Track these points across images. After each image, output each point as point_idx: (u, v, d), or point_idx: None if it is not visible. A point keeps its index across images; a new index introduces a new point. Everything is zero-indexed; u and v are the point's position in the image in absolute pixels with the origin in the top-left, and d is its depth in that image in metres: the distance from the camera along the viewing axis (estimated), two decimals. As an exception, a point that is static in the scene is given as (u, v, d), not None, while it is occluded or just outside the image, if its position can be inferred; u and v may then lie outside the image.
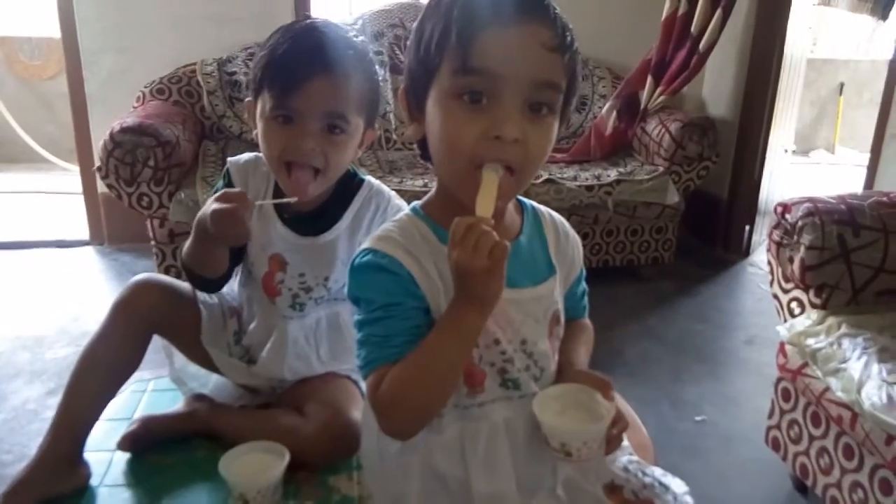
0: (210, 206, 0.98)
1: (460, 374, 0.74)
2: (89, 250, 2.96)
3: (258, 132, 1.06)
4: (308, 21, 1.07)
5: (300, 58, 1.00)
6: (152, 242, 2.40)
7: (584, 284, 0.93)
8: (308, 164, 1.03)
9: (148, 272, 1.18)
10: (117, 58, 2.83)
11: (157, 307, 1.11)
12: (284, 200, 1.06)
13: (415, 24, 0.77)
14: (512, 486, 0.78)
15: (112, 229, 2.97)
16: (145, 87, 2.71)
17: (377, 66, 1.10)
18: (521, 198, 0.85)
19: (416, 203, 0.82)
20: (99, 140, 2.31)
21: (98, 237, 3.01)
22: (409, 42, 0.78)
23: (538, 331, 0.81)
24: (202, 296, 1.15)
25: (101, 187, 2.83)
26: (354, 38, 1.06)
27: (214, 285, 1.14)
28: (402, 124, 2.91)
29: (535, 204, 0.88)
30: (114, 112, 2.52)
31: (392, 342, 0.72)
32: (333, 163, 1.05)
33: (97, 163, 2.31)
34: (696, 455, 1.72)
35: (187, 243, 1.07)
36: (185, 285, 1.15)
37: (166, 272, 2.33)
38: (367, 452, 0.87)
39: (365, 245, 0.77)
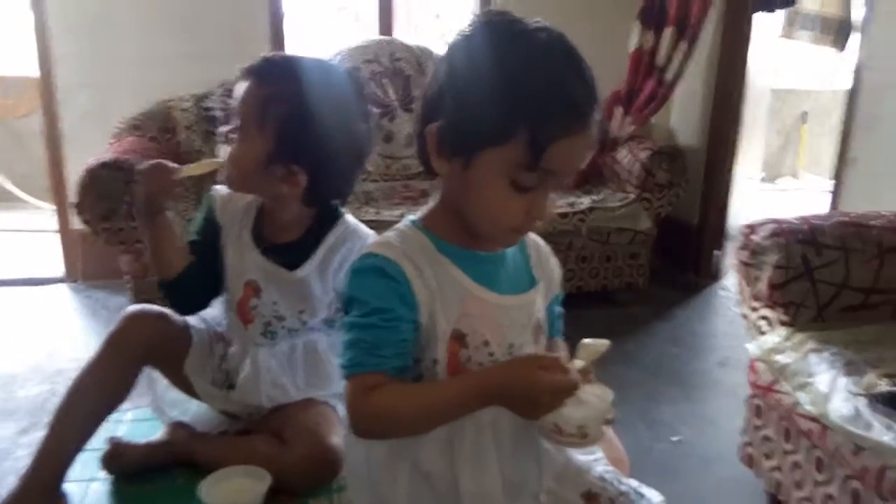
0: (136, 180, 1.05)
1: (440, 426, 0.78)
2: (63, 288, 2.92)
3: None
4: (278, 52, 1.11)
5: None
6: (127, 278, 2.38)
7: (560, 307, 0.97)
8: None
9: (128, 306, 1.19)
10: (93, 95, 2.84)
11: (150, 340, 1.12)
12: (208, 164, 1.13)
13: (450, 71, 0.77)
14: (498, 484, 0.81)
15: (87, 266, 2.95)
16: (121, 123, 2.72)
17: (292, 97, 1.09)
18: None
19: (412, 216, 0.85)
20: (74, 177, 2.31)
21: (73, 274, 2.98)
22: (447, 86, 0.77)
23: (524, 336, 0.85)
24: (193, 321, 1.16)
25: (76, 224, 2.82)
26: (330, 66, 1.09)
27: (189, 297, 1.15)
28: (378, 156, 2.95)
29: None
30: (89, 149, 2.52)
31: (380, 352, 0.75)
32: (230, 165, 1.11)
33: (73, 199, 2.30)
34: (673, 475, 1.74)
35: (148, 254, 1.12)
36: (178, 315, 1.16)
37: (142, 307, 2.31)
38: (353, 464, 0.89)
39: (367, 250, 0.80)
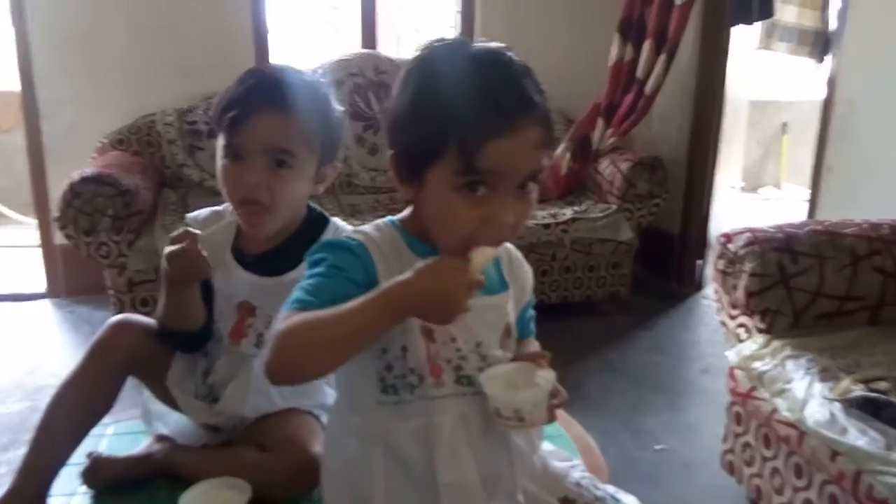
0: (164, 252, 1.02)
1: (354, 347, 0.74)
2: (46, 303, 2.91)
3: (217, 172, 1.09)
4: (260, 66, 1.11)
5: (245, 95, 1.04)
6: (111, 292, 2.38)
7: (532, 311, 0.99)
8: (254, 200, 1.06)
9: (119, 315, 1.19)
10: (76, 109, 2.84)
11: (134, 349, 1.11)
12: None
13: (402, 98, 0.81)
14: (475, 477, 0.82)
15: (69, 281, 2.93)
16: (105, 137, 2.72)
17: (335, 104, 1.14)
18: None
19: (392, 217, 0.88)
20: (57, 192, 2.31)
21: (55, 289, 2.96)
22: (400, 114, 0.82)
23: (492, 337, 0.87)
24: None
25: (58, 239, 2.81)
26: (310, 78, 1.10)
27: (198, 340, 1.15)
28: (363, 169, 2.97)
29: None
30: (72, 163, 2.52)
31: (320, 295, 0.75)
32: (280, 198, 1.07)
33: (55, 214, 2.30)
34: (657, 483, 1.76)
35: (159, 305, 1.09)
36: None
37: (126, 321, 2.30)
38: (328, 466, 0.90)
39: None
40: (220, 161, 1.07)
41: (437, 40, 0.83)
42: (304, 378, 0.76)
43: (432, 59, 0.80)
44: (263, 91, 1.04)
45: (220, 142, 1.06)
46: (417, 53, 0.82)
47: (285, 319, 0.72)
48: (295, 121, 1.06)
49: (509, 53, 0.80)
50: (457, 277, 0.72)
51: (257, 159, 1.05)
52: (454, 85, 0.76)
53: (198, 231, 1.06)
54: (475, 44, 0.80)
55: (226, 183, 1.07)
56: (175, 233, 1.05)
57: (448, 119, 0.76)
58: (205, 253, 1.03)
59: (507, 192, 0.78)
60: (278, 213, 1.09)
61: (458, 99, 0.75)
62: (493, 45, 0.81)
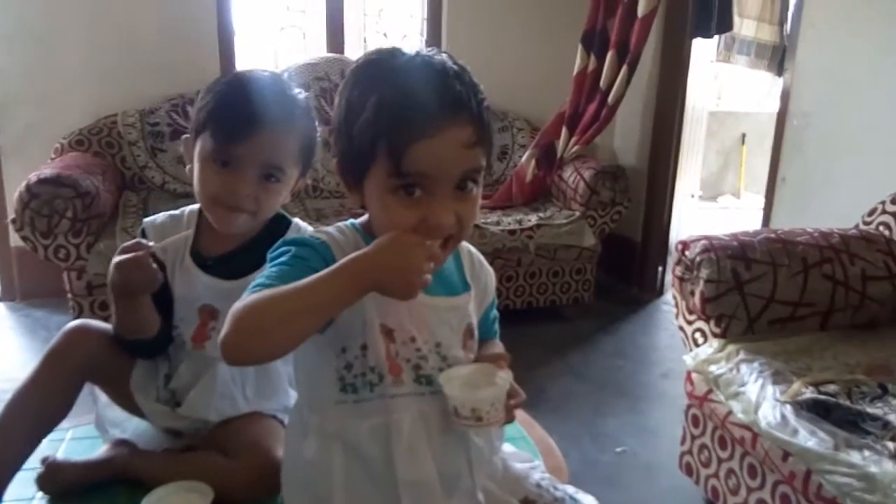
0: (113, 262, 1.01)
1: (313, 321, 0.74)
2: (0, 307, 2.83)
3: (195, 171, 1.10)
4: (257, 72, 1.11)
5: (247, 110, 1.04)
6: (69, 295, 2.33)
7: (495, 311, 1.01)
8: (240, 209, 1.07)
9: (76, 321, 1.17)
10: (35, 110, 2.78)
11: (92, 355, 1.09)
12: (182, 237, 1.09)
13: (339, 107, 0.82)
14: (434, 475, 0.83)
15: (25, 284, 2.86)
16: (63, 138, 2.67)
17: (315, 122, 1.16)
18: None
19: (354, 220, 0.89)
20: (13, 193, 2.26)
21: (10, 293, 2.89)
22: (338, 123, 0.83)
23: (452, 337, 0.87)
24: None
25: (14, 241, 2.74)
26: (298, 94, 1.12)
27: (155, 348, 1.14)
28: (329, 173, 2.96)
29: None
30: (29, 165, 2.46)
31: (283, 280, 0.74)
32: (264, 207, 1.10)
33: (11, 216, 2.25)
34: (617, 485, 1.79)
35: (113, 314, 1.08)
36: None
37: (84, 326, 2.26)
38: (287, 467, 0.91)
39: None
40: (200, 162, 1.07)
41: (374, 50, 0.84)
42: (260, 354, 0.73)
43: (365, 67, 0.81)
44: (269, 108, 1.06)
45: (208, 144, 1.05)
46: (354, 64, 0.83)
47: (244, 300, 0.72)
48: (290, 140, 1.09)
49: (441, 57, 0.80)
50: (416, 250, 0.73)
51: (250, 171, 1.06)
52: (382, 90, 0.77)
53: (150, 243, 1.06)
54: (405, 52, 0.81)
55: (207, 185, 1.07)
56: (128, 242, 1.05)
57: (376, 124, 0.76)
58: (154, 266, 1.03)
59: (444, 194, 0.78)
60: (257, 219, 1.11)
61: (385, 103, 0.76)
62: (429, 50, 0.81)
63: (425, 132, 0.75)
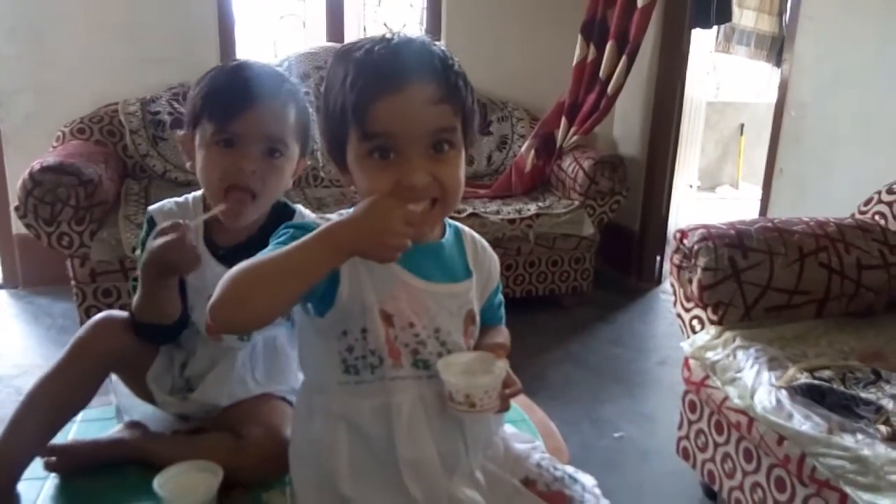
0: (154, 244, 1.01)
1: (297, 285, 0.75)
2: (2, 294, 2.85)
3: (198, 161, 1.10)
4: (242, 60, 1.14)
5: (241, 86, 1.07)
6: (73, 283, 2.34)
7: (500, 296, 1.02)
8: (247, 187, 1.08)
9: (72, 311, 1.18)
10: (36, 98, 2.79)
11: (118, 347, 1.10)
12: (212, 213, 1.08)
13: (322, 93, 0.86)
14: (433, 453, 0.85)
15: (27, 272, 2.88)
16: (65, 126, 2.68)
17: (306, 102, 1.17)
18: (446, 220, 0.94)
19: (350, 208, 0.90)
20: (15, 181, 2.27)
21: (12, 280, 2.91)
22: (320, 103, 0.86)
23: (452, 323, 0.89)
24: None
25: (16, 229, 2.76)
26: (287, 76, 1.13)
27: (173, 333, 1.15)
28: (329, 162, 2.97)
29: (458, 224, 0.97)
30: (31, 153, 2.47)
31: None
32: (270, 187, 1.10)
33: (14, 203, 2.26)
34: (615, 469, 1.82)
35: (135, 300, 1.09)
36: None
37: (86, 313, 2.28)
38: (295, 445, 0.93)
39: None
40: (203, 149, 1.08)
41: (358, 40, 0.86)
42: (247, 319, 0.75)
43: (341, 53, 0.84)
44: (262, 82, 1.07)
45: (208, 129, 1.07)
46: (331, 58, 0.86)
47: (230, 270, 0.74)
48: (288, 113, 1.10)
49: (418, 37, 0.83)
50: (392, 212, 0.74)
51: (252, 147, 1.07)
52: (352, 68, 0.79)
53: (189, 222, 1.06)
54: (372, 40, 0.83)
55: (213, 169, 1.07)
56: (164, 224, 1.04)
57: (343, 90, 0.79)
58: (194, 244, 1.04)
59: (418, 153, 0.80)
60: (262, 202, 1.11)
61: (351, 76, 0.79)
62: (408, 34, 0.83)
63: (387, 89, 0.77)
